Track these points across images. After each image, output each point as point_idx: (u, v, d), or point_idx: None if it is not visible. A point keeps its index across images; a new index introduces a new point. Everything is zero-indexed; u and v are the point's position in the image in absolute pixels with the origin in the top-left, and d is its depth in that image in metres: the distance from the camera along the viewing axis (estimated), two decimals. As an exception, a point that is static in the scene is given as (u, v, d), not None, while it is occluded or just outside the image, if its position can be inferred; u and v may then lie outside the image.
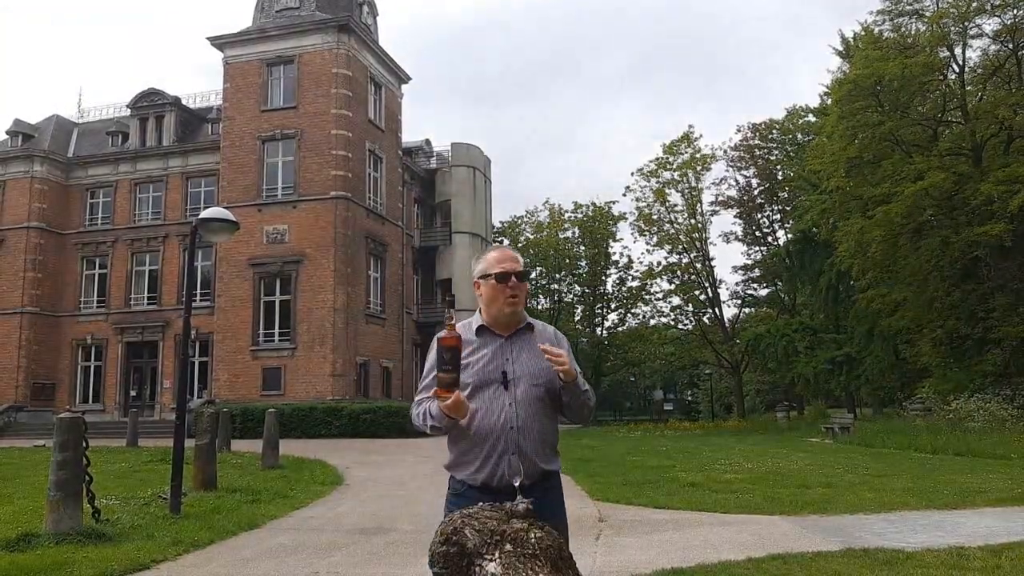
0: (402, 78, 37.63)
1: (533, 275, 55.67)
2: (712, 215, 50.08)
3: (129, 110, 37.36)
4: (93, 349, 35.97)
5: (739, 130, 64.67)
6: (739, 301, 53.29)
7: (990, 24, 24.75)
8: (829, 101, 32.84)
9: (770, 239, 49.01)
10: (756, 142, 47.90)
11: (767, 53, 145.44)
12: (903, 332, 28.70)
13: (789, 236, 43.45)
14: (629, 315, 55.97)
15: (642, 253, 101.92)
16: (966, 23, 24.54)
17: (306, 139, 31.77)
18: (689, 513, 8.40)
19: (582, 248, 54.77)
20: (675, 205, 49.32)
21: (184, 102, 37.65)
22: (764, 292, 52.39)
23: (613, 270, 55.33)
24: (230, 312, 31.44)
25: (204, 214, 9.24)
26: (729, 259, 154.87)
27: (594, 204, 54.05)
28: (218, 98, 35.37)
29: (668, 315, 53.47)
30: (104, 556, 6.16)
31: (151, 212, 36.22)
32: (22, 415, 33.78)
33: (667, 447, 20.50)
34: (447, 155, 41.15)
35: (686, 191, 48.91)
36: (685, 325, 53.17)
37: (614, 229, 54.40)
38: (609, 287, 55.80)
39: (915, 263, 25.68)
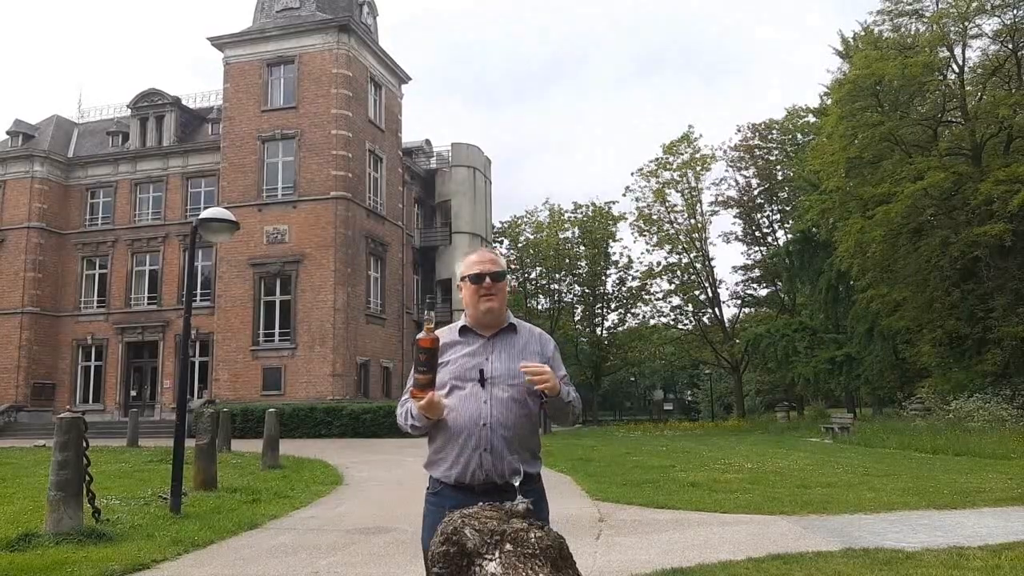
0: (402, 78, 37.64)
1: (533, 275, 55.67)
2: (712, 215, 50.15)
3: (129, 110, 37.37)
4: (93, 349, 35.98)
5: (739, 130, 64.81)
6: (739, 301, 53.32)
7: (990, 24, 24.76)
8: (829, 101, 32.80)
9: (770, 239, 49.02)
10: (756, 142, 47.91)
11: (767, 53, 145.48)
12: (903, 332, 28.68)
13: (789, 236, 43.42)
14: (629, 315, 56.01)
15: (642, 253, 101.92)
16: (966, 23, 24.52)
17: (306, 139, 31.77)
18: (689, 513, 8.41)
19: (582, 248, 54.75)
20: (675, 205, 49.37)
21: (184, 102, 37.65)
22: (764, 292, 52.36)
23: (613, 270, 55.37)
24: (230, 312, 31.45)
25: (204, 214, 9.24)
26: (729, 259, 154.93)
27: (594, 204, 54.06)
28: (218, 98, 35.38)
29: (668, 315, 53.51)
30: (104, 556, 6.17)
31: (151, 212, 36.22)
32: (22, 415, 33.79)
33: (667, 447, 20.51)
34: (447, 155, 41.16)
35: (686, 191, 48.92)
36: (685, 325, 53.17)
37: (614, 229, 54.41)
38: (609, 287, 55.83)
39: (915, 263, 25.66)
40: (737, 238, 50.07)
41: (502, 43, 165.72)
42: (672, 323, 53.76)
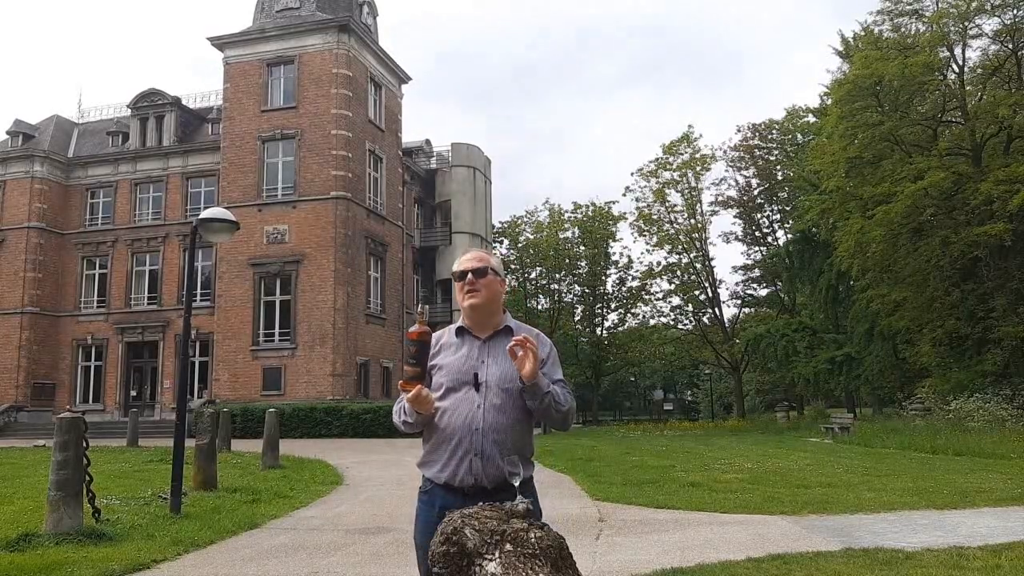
0: (402, 78, 37.64)
1: (533, 275, 55.66)
2: (712, 215, 50.19)
3: (129, 110, 37.37)
4: (93, 349, 35.98)
5: (739, 130, 64.76)
6: (739, 301, 53.33)
7: (990, 24, 24.76)
8: (829, 101, 32.80)
9: (770, 239, 49.04)
10: (756, 142, 47.92)
11: (767, 53, 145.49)
12: (903, 332, 28.68)
13: (789, 236, 43.44)
14: (629, 315, 56.03)
15: (642, 253, 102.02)
16: (966, 23, 24.52)
17: (306, 139, 31.78)
18: (689, 513, 8.41)
19: (582, 248, 54.76)
20: (675, 205, 49.40)
21: (184, 102, 37.66)
22: (764, 292, 52.38)
23: (613, 270, 55.39)
24: (230, 312, 31.45)
25: (204, 214, 9.24)
26: (729, 259, 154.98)
27: (594, 204, 54.07)
28: (218, 98, 35.39)
29: (668, 315, 53.55)
30: (104, 556, 6.17)
31: (151, 212, 36.23)
32: (22, 415, 33.80)
33: (667, 447, 20.51)
34: (447, 155, 41.17)
35: (686, 191, 48.94)
36: (685, 325, 53.19)
37: (614, 229, 54.44)
38: (609, 287, 55.85)
39: (915, 263, 25.67)
40: (737, 238, 50.14)
41: (502, 43, 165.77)
42: (672, 323, 53.79)
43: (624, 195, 76.96)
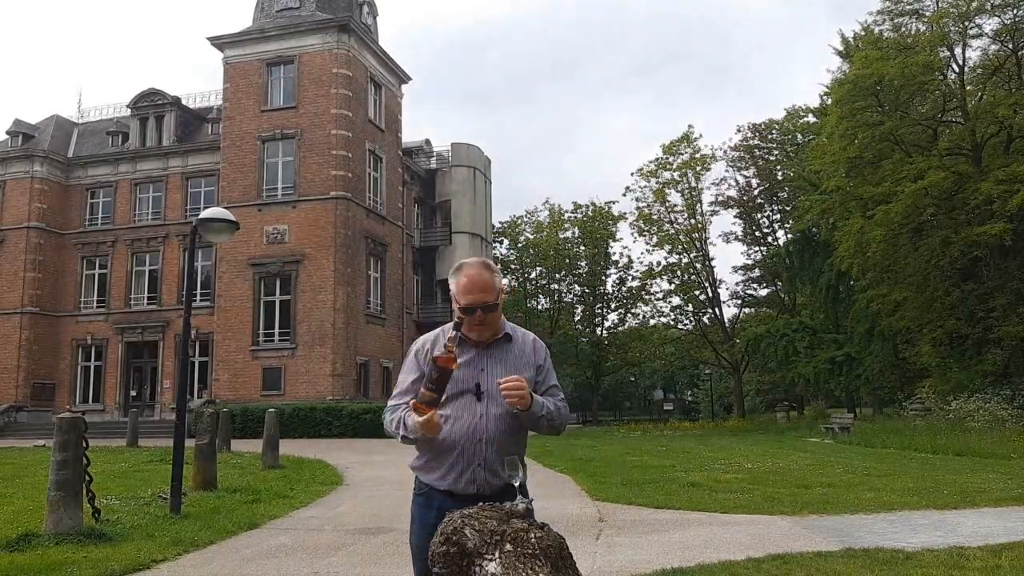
0: (402, 78, 37.64)
1: (533, 275, 55.66)
2: (712, 215, 50.17)
3: (129, 110, 37.37)
4: (93, 349, 35.97)
5: (739, 130, 64.65)
6: (739, 301, 53.34)
7: (990, 24, 24.77)
8: (829, 101, 32.80)
9: (770, 239, 49.04)
10: (756, 142, 47.92)
11: (767, 53, 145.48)
12: (903, 332, 28.68)
13: (789, 236, 43.44)
14: (629, 315, 56.04)
15: (642, 253, 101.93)
16: (966, 23, 24.52)
17: (306, 139, 31.77)
18: (689, 513, 8.40)
19: (582, 248, 54.76)
20: (675, 205, 49.42)
21: (184, 102, 37.66)
22: (764, 292, 52.39)
23: (613, 270, 55.39)
24: (230, 312, 31.45)
25: (204, 214, 9.24)
26: (729, 259, 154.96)
27: (594, 204, 54.08)
28: (218, 98, 35.38)
29: (668, 315, 53.57)
30: (104, 556, 6.16)
31: (151, 212, 36.23)
32: (22, 415, 33.79)
33: (667, 447, 20.50)
34: (447, 155, 41.17)
35: (686, 191, 48.94)
36: (685, 325, 53.19)
37: (614, 229, 54.45)
38: (609, 287, 55.86)
39: (915, 263, 25.67)
40: (737, 238, 50.13)
41: (502, 43, 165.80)
42: (672, 323, 53.81)
43: (624, 195, 76.83)
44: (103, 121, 39.13)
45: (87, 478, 7.14)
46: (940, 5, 25.33)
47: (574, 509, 8.87)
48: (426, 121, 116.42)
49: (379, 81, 35.24)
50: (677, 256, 49.80)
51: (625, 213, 52.70)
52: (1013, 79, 25.26)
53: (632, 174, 57.42)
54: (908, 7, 26.14)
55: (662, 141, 76.74)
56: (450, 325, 2.60)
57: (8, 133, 37.89)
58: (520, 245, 55.08)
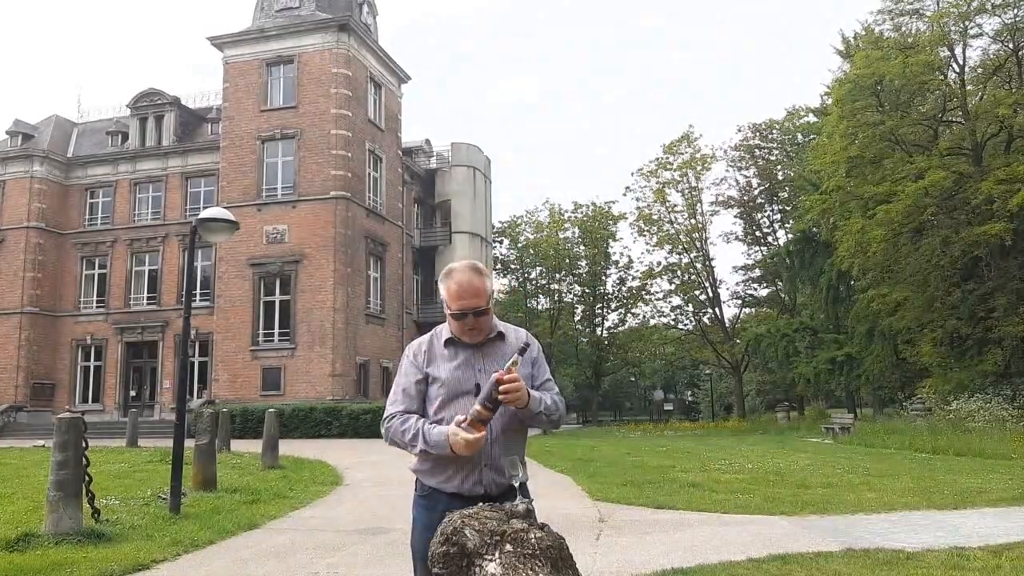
0: (402, 78, 37.64)
1: (533, 275, 55.65)
2: (712, 215, 50.21)
3: (129, 110, 37.37)
4: (93, 349, 35.98)
5: (739, 130, 64.82)
6: (739, 301, 53.35)
7: (990, 24, 24.75)
8: (829, 101, 32.82)
9: (770, 239, 49.05)
10: (756, 142, 47.95)
11: (767, 53, 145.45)
12: (903, 332, 28.66)
13: (789, 236, 43.45)
14: (629, 315, 56.04)
15: (642, 253, 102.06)
16: (966, 22, 24.51)
17: (306, 139, 31.77)
18: (689, 513, 8.39)
19: (582, 248, 54.77)
20: (675, 205, 49.43)
21: (184, 102, 37.66)
22: (764, 292, 52.39)
23: (613, 270, 55.40)
24: (230, 312, 31.45)
25: (204, 214, 9.23)
26: (729, 259, 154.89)
27: (594, 204, 54.09)
28: (218, 98, 35.38)
29: (668, 315, 53.56)
30: (104, 556, 6.16)
31: (151, 212, 36.23)
32: (22, 415, 33.80)
33: (667, 447, 20.49)
34: (447, 155, 41.17)
35: (686, 191, 48.96)
36: (685, 325, 53.19)
37: (614, 229, 54.46)
38: (609, 287, 55.85)
39: (915, 263, 25.66)
40: (737, 238, 50.15)
41: (502, 43, 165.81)
42: (672, 323, 53.80)
43: (624, 195, 77.06)
44: (103, 121, 39.13)
45: (87, 478, 7.13)
46: (940, 5, 25.33)
47: (574, 509, 8.86)
48: (426, 121, 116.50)
49: (379, 81, 35.24)
50: (677, 256, 49.83)
51: (625, 213, 52.79)
52: (1013, 79, 25.25)
53: (632, 174, 57.58)
54: (908, 7, 26.14)
55: (662, 141, 76.79)
56: (514, 348, 2.60)
57: (8, 133, 37.90)
58: (520, 245, 55.08)
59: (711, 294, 49.73)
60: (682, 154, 48.44)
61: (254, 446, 16.68)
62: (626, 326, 56.28)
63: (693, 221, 49.08)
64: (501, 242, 54.62)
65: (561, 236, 54.21)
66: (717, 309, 50.07)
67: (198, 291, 32.76)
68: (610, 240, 54.68)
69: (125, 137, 37.32)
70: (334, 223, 30.99)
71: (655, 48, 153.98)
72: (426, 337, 2.71)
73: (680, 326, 53.48)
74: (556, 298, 56.07)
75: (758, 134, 47.84)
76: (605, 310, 56.51)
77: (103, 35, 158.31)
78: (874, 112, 26.28)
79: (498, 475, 2.53)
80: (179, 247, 34.65)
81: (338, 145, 31.51)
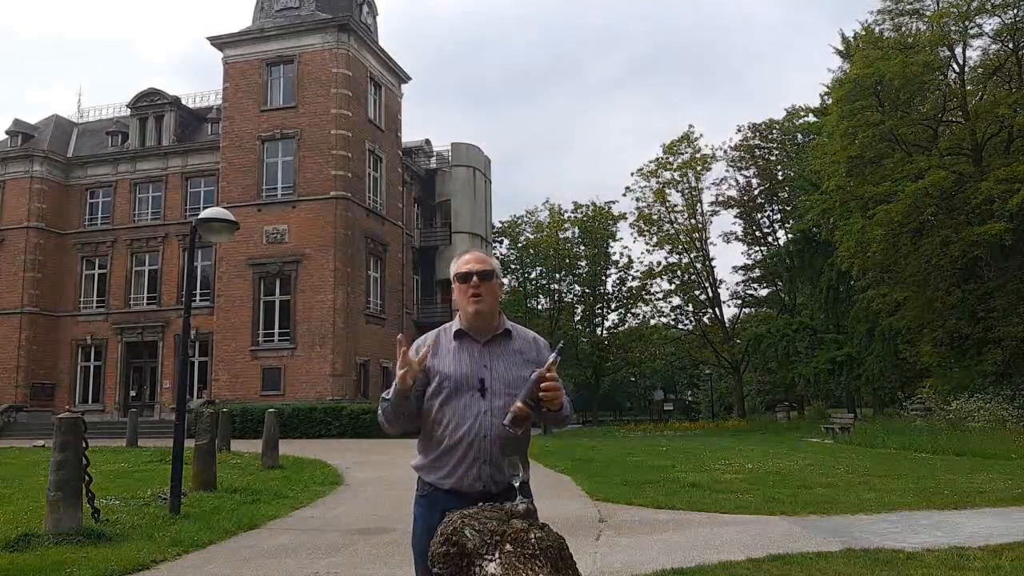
0: (402, 78, 37.63)
1: (533, 275, 55.59)
2: (712, 215, 50.10)
3: (129, 110, 37.38)
4: (93, 349, 35.97)
5: (739, 130, 64.53)
6: (739, 301, 53.30)
7: (990, 23, 24.76)
8: (829, 101, 32.80)
9: (770, 239, 49.01)
10: (756, 142, 47.90)
11: (767, 53, 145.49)
12: (903, 332, 28.67)
13: (789, 236, 43.43)
14: (629, 315, 55.96)
15: (642, 253, 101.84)
16: (966, 22, 24.51)
17: (306, 139, 31.77)
18: (689, 513, 8.39)
19: (582, 248, 54.72)
20: (675, 205, 49.36)
21: (184, 102, 37.67)
22: (764, 292, 52.36)
23: (613, 270, 55.32)
24: (230, 312, 31.44)
25: (204, 214, 9.23)
26: (729, 259, 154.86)
27: (594, 204, 54.02)
28: (218, 98, 35.39)
29: (668, 315, 53.49)
30: (104, 556, 6.16)
31: (151, 212, 36.23)
32: (22, 415, 33.78)
33: (667, 447, 20.49)
34: (447, 155, 41.16)
35: (686, 191, 48.92)
36: (685, 325, 53.14)
37: (614, 229, 54.40)
38: (609, 287, 55.77)
39: (915, 263, 25.66)
40: (737, 238, 50.07)
41: (502, 43, 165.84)
42: (672, 323, 53.74)
43: (624, 195, 76.57)
44: (103, 121, 39.13)
45: (87, 478, 7.13)
46: (940, 5, 25.32)
47: (574, 509, 8.86)
48: (426, 121, 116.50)
49: (379, 81, 35.23)
50: (677, 256, 49.78)
51: (625, 213, 52.71)
52: (1013, 79, 25.26)
53: (632, 174, 57.21)
54: (908, 7, 26.14)
55: (662, 141, 76.72)
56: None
57: (8, 133, 37.89)
58: (520, 245, 55.03)
59: (711, 294, 49.72)
60: (682, 154, 48.43)
61: (254, 446, 16.66)
62: (626, 326, 56.23)
63: (693, 221, 49.06)
64: (501, 242, 54.59)
65: (561, 236, 54.17)
66: (717, 309, 50.06)
67: (198, 291, 32.74)
68: (610, 240, 54.65)
69: (125, 137, 37.31)
70: (334, 223, 30.98)
71: (655, 45, 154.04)
72: (433, 332, 2.73)
73: (680, 326, 53.44)
74: (556, 298, 56.01)
75: (758, 134, 47.81)
76: (605, 310, 56.48)
77: (103, 35, 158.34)
78: (874, 112, 26.28)
79: (497, 471, 2.53)
80: (179, 247, 34.63)
81: (338, 145, 31.51)
